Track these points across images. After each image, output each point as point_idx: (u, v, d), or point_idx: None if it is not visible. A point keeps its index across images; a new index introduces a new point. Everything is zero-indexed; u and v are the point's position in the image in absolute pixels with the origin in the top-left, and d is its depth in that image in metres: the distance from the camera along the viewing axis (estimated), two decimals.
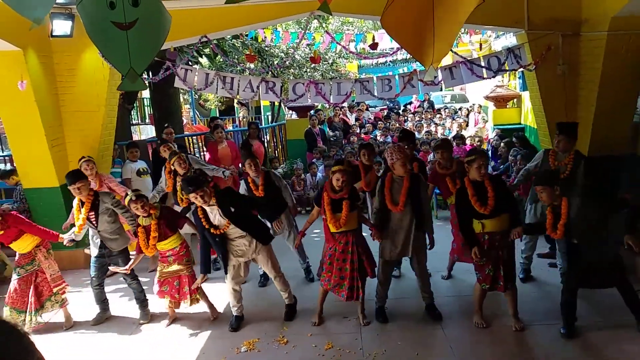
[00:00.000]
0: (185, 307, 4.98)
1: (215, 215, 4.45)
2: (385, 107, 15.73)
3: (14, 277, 4.82)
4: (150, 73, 9.82)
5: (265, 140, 11.60)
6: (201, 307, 5.08)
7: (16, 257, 4.84)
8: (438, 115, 13.35)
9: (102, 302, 5.11)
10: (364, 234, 4.66)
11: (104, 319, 5.11)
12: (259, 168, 5.40)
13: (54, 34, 5.95)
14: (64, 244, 4.99)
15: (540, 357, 3.99)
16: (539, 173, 4.45)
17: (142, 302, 5.05)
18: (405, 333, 4.46)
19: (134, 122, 14.93)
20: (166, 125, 8.36)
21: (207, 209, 4.45)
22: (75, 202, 4.91)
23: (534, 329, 4.39)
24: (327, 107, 12.62)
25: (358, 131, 12.74)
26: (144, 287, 5.14)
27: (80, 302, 5.46)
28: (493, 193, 4.19)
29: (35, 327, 4.81)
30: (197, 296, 4.90)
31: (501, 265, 4.29)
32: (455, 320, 4.65)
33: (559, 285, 4.66)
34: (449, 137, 9.61)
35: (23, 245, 4.78)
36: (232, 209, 4.44)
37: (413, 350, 4.18)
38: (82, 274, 6.08)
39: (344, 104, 9.85)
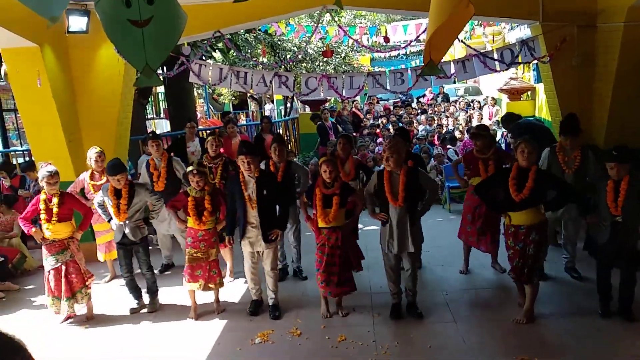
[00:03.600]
0: (201, 297, 5.08)
1: (252, 190, 4.60)
2: (398, 99, 15.68)
3: (48, 267, 4.80)
4: (165, 68, 9.95)
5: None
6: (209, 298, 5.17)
7: (45, 246, 4.79)
8: (452, 108, 13.27)
9: (135, 289, 5.14)
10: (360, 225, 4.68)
11: (140, 308, 5.15)
12: (283, 155, 5.47)
13: (70, 30, 6.03)
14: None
15: (552, 350, 3.99)
16: (609, 150, 4.35)
17: (153, 293, 5.15)
18: (418, 326, 4.48)
19: (149, 116, 15.08)
20: (188, 119, 8.44)
21: (247, 178, 4.61)
22: (107, 190, 4.94)
23: (547, 322, 4.39)
24: (340, 100, 12.62)
25: (370, 124, 12.75)
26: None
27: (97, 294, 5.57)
28: (532, 185, 4.16)
29: (70, 314, 4.87)
30: (222, 280, 5.03)
31: (528, 259, 4.30)
32: (468, 314, 4.67)
33: (570, 280, 4.65)
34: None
35: (63, 230, 4.79)
36: (265, 193, 4.58)
37: (426, 343, 4.20)
38: (96, 266, 6.16)
39: (356, 97, 9.84)
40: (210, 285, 4.90)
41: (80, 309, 5.07)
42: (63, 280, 4.75)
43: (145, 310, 5.15)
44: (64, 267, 4.79)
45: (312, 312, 4.85)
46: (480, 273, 5.57)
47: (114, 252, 5.75)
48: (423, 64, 2.81)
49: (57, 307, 4.83)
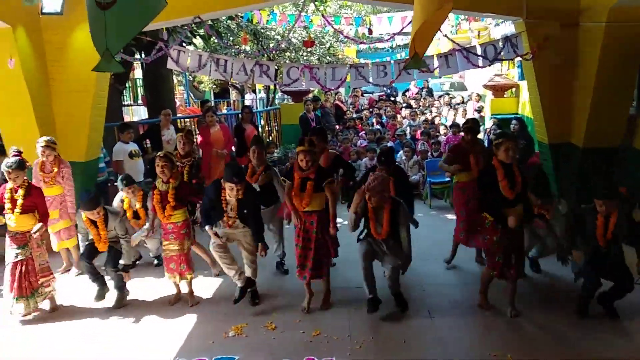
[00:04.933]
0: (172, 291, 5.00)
1: (232, 207, 4.64)
2: (382, 93, 15.65)
3: (8, 259, 4.63)
4: (143, 53, 9.72)
5: (260, 125, 11.50)
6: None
7: (9, 237, 4.63)
8: (437, 103, 13.27)
9: (97, 277, 5.01)
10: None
11: (104, 294, 5.04)
12: (262, 159, 5.37)
13: (44, 11, 5.81)
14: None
15: (528, 347, 3.99)
16: (599, 186, 4.36)
17: (120, 289, 4.99)
18: (393, 321, 4.46)
19: (125, 102, 14.76)
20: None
21: (229, 199, 4.62)
22: (81, 219, 4.86)
23: (522, 319, 4.41)
24: (323, 92, 12.53)
25: (354, 117, 12.69)
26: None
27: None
28: (521, 179, 4.22)
29: (33, 310, 4.70)
30: (192, 273, 4.95)
31: (512, 254, 4.34)
32: (445, 309, 4.66)
33: (552, 275, 4.66)
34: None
35: (26, 222, 4.61)
36: (245, 212, 4.66)
37: (401, 338, 4.18)
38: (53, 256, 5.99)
39: (339, 89, 9.76)
40: (183, 277, 4.85)
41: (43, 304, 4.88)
42: (16, 277, 4.55)
43: (112, 298, 4.99)
44: (19, 265, 4.58)
45: (289, 306, 4.80)
46: (462, 268, 5.58)
47: (68, 241, 5.65)
48: (409, 57, 2.76)
49: (24, 306, 4.64)
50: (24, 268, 4.59)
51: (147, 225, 5.25)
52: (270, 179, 5.36)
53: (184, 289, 5.03)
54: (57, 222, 5.56)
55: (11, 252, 4.62)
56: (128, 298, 5.08)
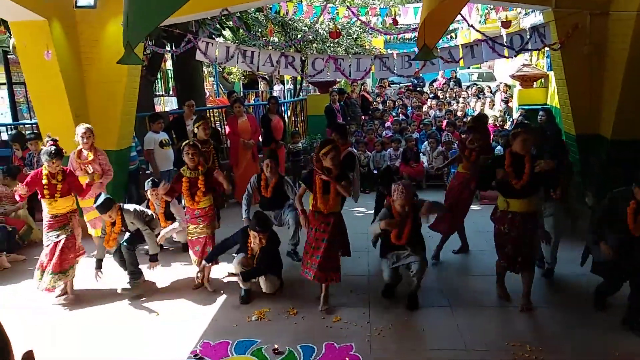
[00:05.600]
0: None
1: (255, 252, 4.84)
2: (410, 83, 15.53)
3: (47, 242, 4.84)
4: (173, 45, 9.93)
5: (286, 116, 11.60)
6: (213, 275, 5.27)
7: (46, 221, 4.86)
8: (464, 94, 13.11)
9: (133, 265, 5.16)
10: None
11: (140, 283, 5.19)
12: (275, 171, 5.55)
13: (78, 4, 6.03)
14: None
15: (544, 338, 4.01)
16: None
17: (134, 274, 5.10)
18: (413, 310, 4.52)
19: (157, 93, 15.08)
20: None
21: (254, 246, 4.82)
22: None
23: (540, 311, 4.42)
24: (349, 83, 12.52)
25: (380, 108, 12.67)
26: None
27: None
28: (530, 171, 4.18)
29: (51, 289, 4.83)
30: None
31: (521, 247, 4.32)
32: (463, 299, 4.70)
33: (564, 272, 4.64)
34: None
35: (65, 204, 4.88)
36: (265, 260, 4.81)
37: (419, 326, 4.25)
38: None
39: (365, 80, 9.77)
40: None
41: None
42: (57, 254, 4.78)
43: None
44: (62, 242, 4.82)
45: (310, 293, 4.89)
46: (479, 259, 5.59)
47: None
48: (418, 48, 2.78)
49: (40, 280, 4.82)
50: (65, 245, 4.82)
51: (176, 224, 5.47)
52: (282, 186, 5.53)
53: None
54: (93, 209, 5.75)
55: (51, 235, 4.85)
56: (157, 284, 5.27)
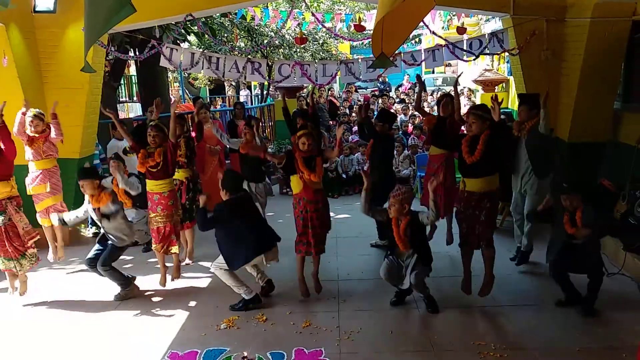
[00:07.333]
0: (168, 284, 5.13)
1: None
2: (376, 88, 15.72)
3: None
4: (137, 51, 9.76)
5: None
6: (181, 283, 5.23)
7: None
8: (430, 98, 13.35)
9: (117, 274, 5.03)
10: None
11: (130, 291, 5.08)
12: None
13: (36, 9, 5.90)
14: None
15: (510, 336, 4.11)
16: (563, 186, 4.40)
17: (124, 285, 5.03)
18: (381, 312, 4.57)
19: (121, 99, 14.79)
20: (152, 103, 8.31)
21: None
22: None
23: (505, 310, 4.53)
24: (317, 88, 12.59)
25: (347, 113, 12.77)
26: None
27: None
28: (483, 147, 4.28)
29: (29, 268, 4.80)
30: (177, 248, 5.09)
31: (477, 225, 4.43)
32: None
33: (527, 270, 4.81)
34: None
35: (1, 189, 4.68)
36: None
37: (387, 328, 4.30)
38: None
39: (331, 86, 9.85)
40: (170, 249, 4.99)
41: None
42: (6, 242, 4.67)
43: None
44: (4, 231, 4.68)
45: (279, 299, 4.89)
46: (445, 260, 5.68)
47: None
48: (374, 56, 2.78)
49: (4, 266, 4.75)
50: (5, 234, 4.68)
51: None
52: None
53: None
54: (47, 197, 5.52)
55: None
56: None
